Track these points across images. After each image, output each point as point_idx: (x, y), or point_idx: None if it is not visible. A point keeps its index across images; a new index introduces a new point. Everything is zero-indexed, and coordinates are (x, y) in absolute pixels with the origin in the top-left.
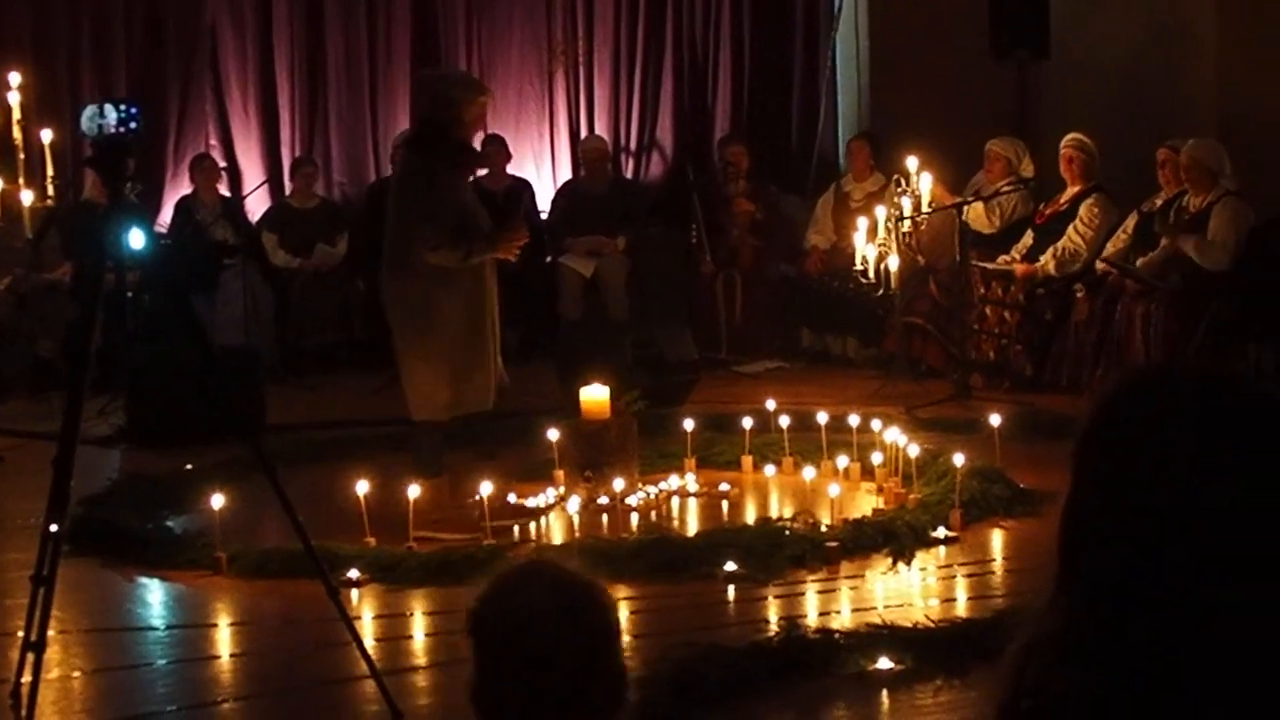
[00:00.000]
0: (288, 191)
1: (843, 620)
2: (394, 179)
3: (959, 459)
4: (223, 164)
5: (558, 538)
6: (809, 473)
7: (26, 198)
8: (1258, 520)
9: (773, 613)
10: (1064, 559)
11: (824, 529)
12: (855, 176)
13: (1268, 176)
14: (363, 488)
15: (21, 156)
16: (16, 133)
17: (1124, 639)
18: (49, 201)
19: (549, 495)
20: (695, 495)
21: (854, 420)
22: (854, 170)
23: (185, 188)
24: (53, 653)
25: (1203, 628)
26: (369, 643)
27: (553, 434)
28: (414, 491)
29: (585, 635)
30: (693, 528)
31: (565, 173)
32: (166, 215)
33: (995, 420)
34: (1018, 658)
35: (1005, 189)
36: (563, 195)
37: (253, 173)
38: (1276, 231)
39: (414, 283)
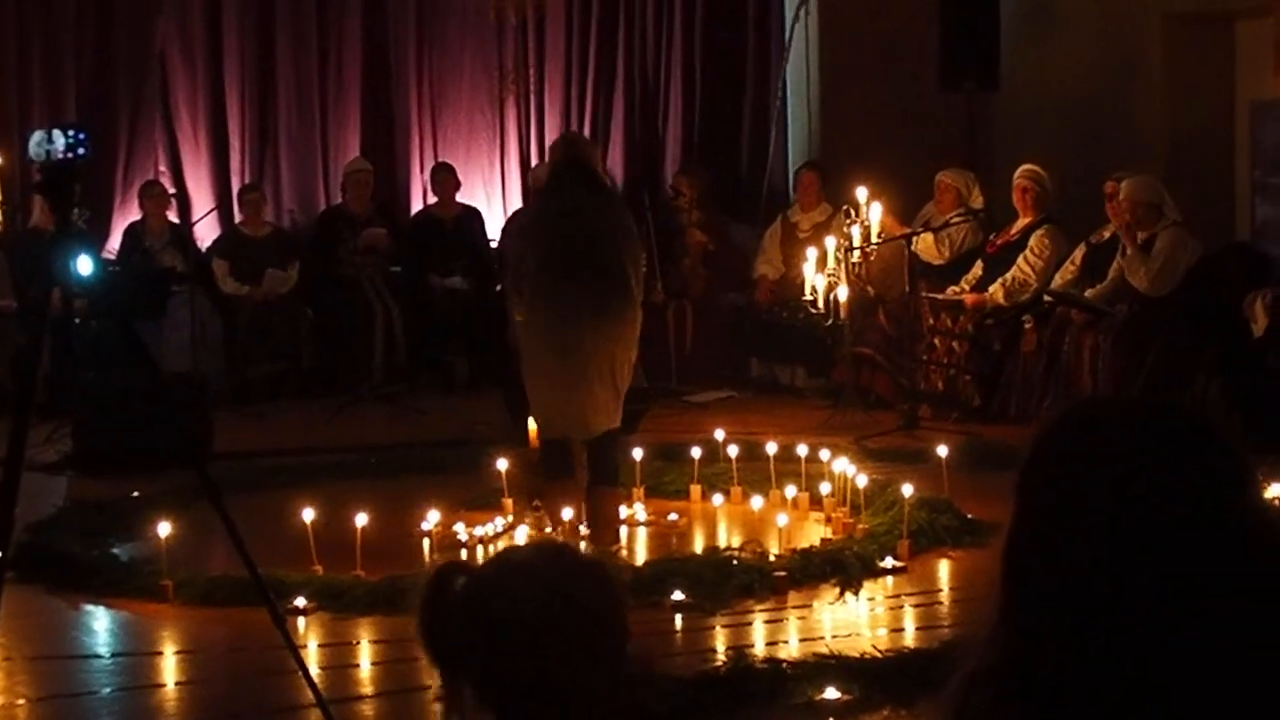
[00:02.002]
0: (237, 219)
1: (790, 650)
2: (605, 215)
3: (907, 489)
4: (172, 191)
5: None
6: (757, 502)
7: None
8: (1199, 550)
9: (720, 642)
10: (1006, 590)
11: (772, 559)
12: (803, 207)
13: (1213, 206)
14: (310, 515)
15: None
16: None
17: (1065, 671)
18: None
19: (498, 524)
20: (644, 524)
21: (803, 450)
22: (802, 201)
23: (134, 214)
24: None
25: (1144, 659)
26: (315, 671)
27: (502, 463)
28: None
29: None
30: (641, 557)
31: (516, 201)
32: (115, 241)
33: (943, 451)
34: (961, 688)
35: (955, 220)
36: (514, 224)
37: (202, 200)
38: (1223, 262)
39: (639, 309)
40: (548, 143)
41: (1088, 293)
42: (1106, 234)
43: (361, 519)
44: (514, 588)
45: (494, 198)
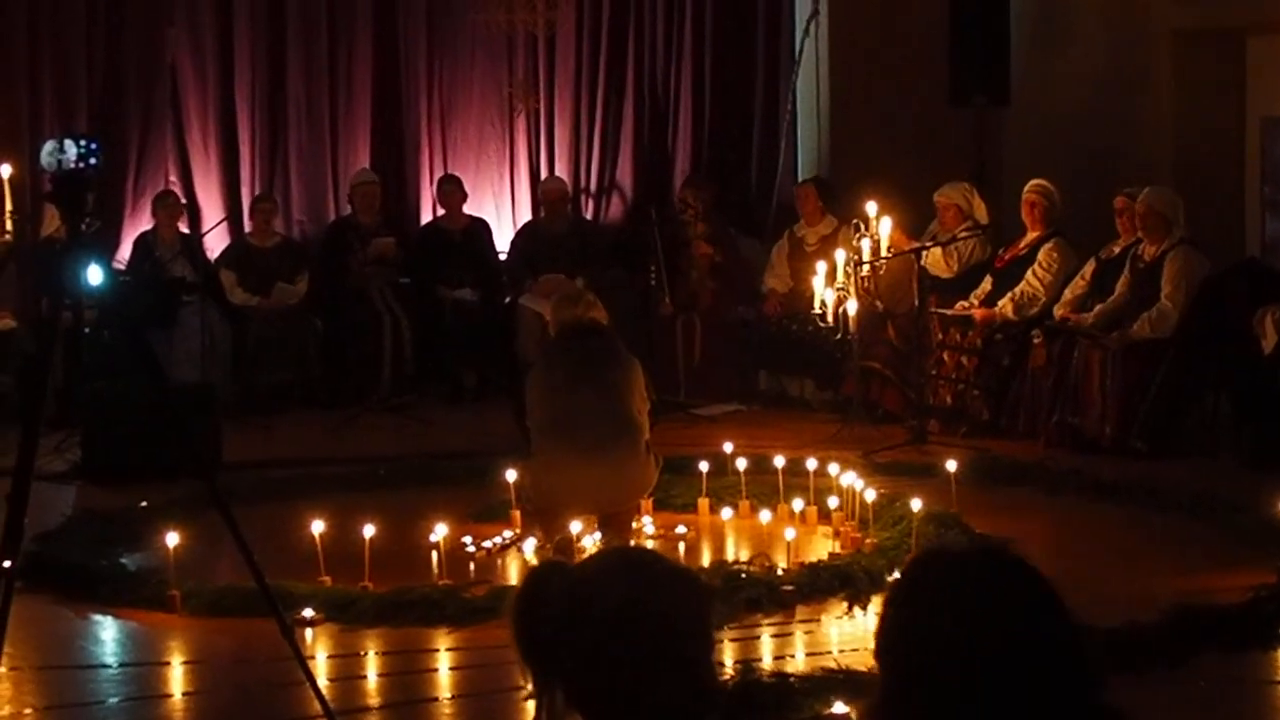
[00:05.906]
0: (247, 229)
1: (798, 664)
2: (610, 369)
3: (915, 504)
4: (182, 201)
5: (513, 579)
6: (765, 516)
7: None
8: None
9: (728, 656)
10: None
11: (780, 573)
12: (807, 221)
13: (1222, 222)
14: (318, 526)
15: None
16: None
17: None
18: (8, 237)
19: (506, 536)
20: (651, 538)
21: (811, 464)
22: (804, 215)
23: (145, 224)
24: (4, 689)
25: None
26: (323, 682)
27: (510, 475)
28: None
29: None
30: None
31: (525, 213)
32: (125, 251)
33: (951, 465)
34: None
35: (962, 234)
36: (522, 236)
37: (212, 210)
38: (1230, 280)
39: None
40: (558, 155)
41: (1097, 307)
42: (1116, 249)
43: (369, 530)
44: (598, 592)
45: (503, 210)
